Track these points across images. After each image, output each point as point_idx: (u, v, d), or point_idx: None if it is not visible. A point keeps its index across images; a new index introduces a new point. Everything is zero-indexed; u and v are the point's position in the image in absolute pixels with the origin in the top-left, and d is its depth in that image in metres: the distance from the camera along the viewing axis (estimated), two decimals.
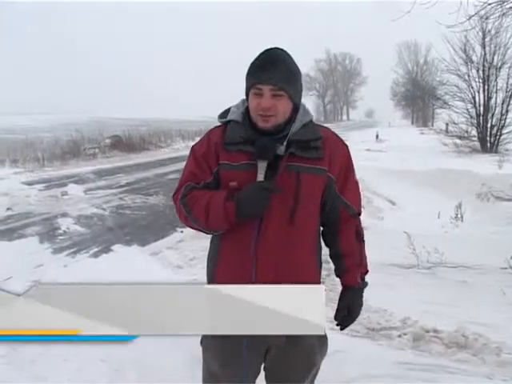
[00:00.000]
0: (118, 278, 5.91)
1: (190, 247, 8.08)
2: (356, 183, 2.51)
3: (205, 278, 6.16)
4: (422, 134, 47.61)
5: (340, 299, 2.50)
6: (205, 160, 2.36)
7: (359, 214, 2.52)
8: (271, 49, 2.30)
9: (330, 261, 2.58)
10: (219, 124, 2.46)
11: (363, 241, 2.54)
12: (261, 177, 2.19)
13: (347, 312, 2.46)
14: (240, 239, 2.27)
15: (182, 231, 9.34)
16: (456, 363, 4.45)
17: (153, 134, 32.84)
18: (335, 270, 2.55)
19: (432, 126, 61.75)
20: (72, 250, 8.09)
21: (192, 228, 2.41)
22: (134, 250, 8.18)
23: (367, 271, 2.53)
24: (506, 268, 6.41)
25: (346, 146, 2.49)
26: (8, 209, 11.31)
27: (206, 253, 7.59)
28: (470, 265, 6.86)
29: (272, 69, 2.20)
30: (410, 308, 5.35)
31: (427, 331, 4.93)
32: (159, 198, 13.10)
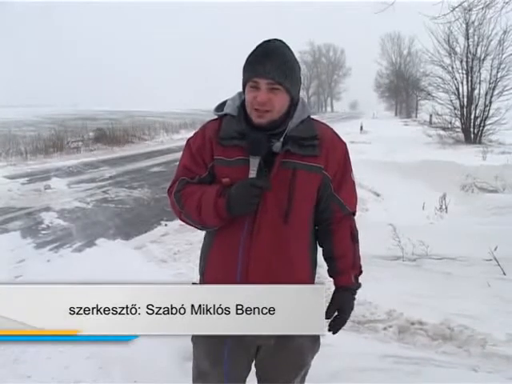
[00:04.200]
0: (101, 272, 5.89)
1: (174, 241, 8.06)
2: (352, 183, 2.46)
3: (189, 273, 6.16)
4: (406, 125, 47.87)
5: (332, 300, 2.44)
6: (199, 154, 2.31)
7: (354, 214, 2.48)
8: (269, 41, 2.25)
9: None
10: (215, 117, 2.41)
11: (357, 241, 2.50)
12: (253, 173, 2.14)
13: (338, 313, 2.42)
14: (232, 236, 2.23)
15: (166, 225, 9.33)
16: (441, 355, 4.46)
17: (136, 126, 32.69)
18: (328, 271, 2.50)
19: (416, 117, 62.11)
20: (55, 245, 8.01)
21: (186, 224, 2.38)
22: (117, 244, 8.13)
23: (361, 272, 2.49)
24: (490, 260, 6.41)
25: (345, 145, 2.44)
26: None
27: (191, 247, 7.56)
28: (455, 256, 6.86)
29: (269, 62, 2.14)
30: (395, 300, 5.34)
31: (412, 323, 4.93)
32: (143, 191, 13.01)
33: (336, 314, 2.41)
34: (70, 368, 4.10)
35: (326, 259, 2.50)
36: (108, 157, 21.24)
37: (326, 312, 2.40)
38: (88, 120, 39.37)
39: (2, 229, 9.00)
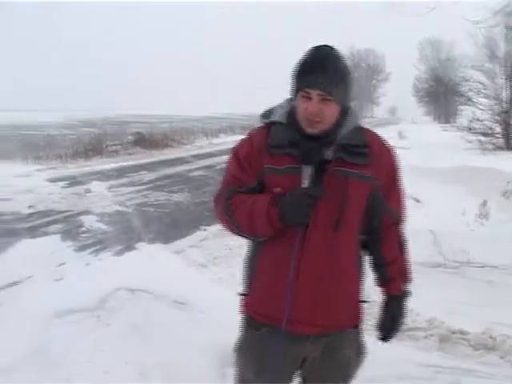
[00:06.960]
0: (141, 276, 5.92)
1: (214, 246, 8.06)
2: (401, 191, 2.45)
3: (230, 278, 6.11)
4: (445, 130, 47.28)
5: (384, 309, 2.45)
6: (247, 163, 2.29)
7: (403, 223, 2.47)
8: (320, 47, 2.19)
9: None
10: (261, 125, 2.38)
11: (407, 249, 2.48)
12: (305, 182, 2.13)
13: (391, 322, 2.43)
14: (285, 244, 2.21)
15: (205, 229, 9.33)
16: (483, 366, 4.40)
17: (175, 130, 32.84)
18: (377, 280, 2.50)
19: (455, 122, 61.48)
20: (95, 248, 8.08)
21: (232, 232, 2.36)
22: (157, 248, 8.13)
23: (411, 279, 2.48)
24: None
25: (394, 153, 2.43)
26: (30, 206, 11.22)
27: (230, 252, 7.52)
28: (497, 264, 6.78)
29: (320, 72, 2.09)
30: (437, 308, 5.28)
31: (454, 332, 4.88)
32: (183, 195, 13.04)
33: (390, 322, 2.42)
34: (110, 373, 4.11)
35: (374, 268, 2.49)
36: (147, 161, 21.32)
37: (381, 324, 2.43)
38: (125, 124, 39.74)
39: (42, 232, 9.10)
